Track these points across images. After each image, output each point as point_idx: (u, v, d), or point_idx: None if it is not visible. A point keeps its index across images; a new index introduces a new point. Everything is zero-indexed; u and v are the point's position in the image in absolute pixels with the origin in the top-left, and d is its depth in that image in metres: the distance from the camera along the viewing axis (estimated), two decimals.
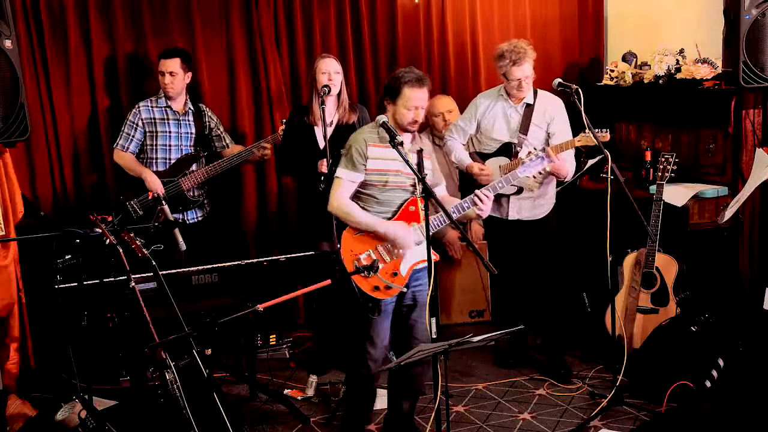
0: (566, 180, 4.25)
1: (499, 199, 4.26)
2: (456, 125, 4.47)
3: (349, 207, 3.38)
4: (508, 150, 4.26)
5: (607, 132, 4.04)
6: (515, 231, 4.31)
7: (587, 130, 3.97)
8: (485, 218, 4.36)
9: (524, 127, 4.21)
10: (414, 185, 3.42)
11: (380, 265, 3.32)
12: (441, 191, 3.55)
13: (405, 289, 3.40)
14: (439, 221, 3.42)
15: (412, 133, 3.43)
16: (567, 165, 4.10)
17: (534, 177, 4.13)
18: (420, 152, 3.41)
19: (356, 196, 3.43)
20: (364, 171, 3.37)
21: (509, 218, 4.30)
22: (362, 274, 3.22)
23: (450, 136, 4.47)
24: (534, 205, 4.30)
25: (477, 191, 3.36)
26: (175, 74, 4.51)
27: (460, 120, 4.47)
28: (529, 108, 4.23)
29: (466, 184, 4.53)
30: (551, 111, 4.21)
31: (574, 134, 4.16)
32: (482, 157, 4.37)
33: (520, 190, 4.24)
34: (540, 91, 4.27)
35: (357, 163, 3.35)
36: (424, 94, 3.34)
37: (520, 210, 4.29)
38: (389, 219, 3.40)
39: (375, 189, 3.40)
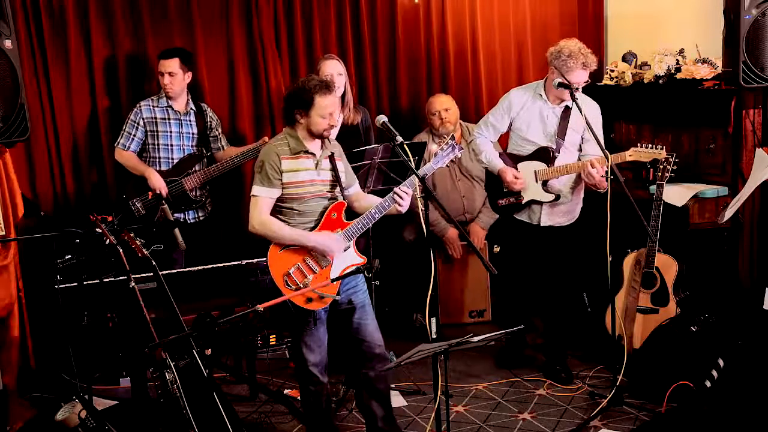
0: (602, 192, 4.01)
1: (531, 205, 4.19)
2: (486, 121, 4.27)
3: (272, 224, 3.32)
4: (545, 154, 4.10)
5: (663, 149, 3.94)
6: (545, 237, 4.20)
7: (640, 145, 3.93)
8: (516, 223, 4.25)
9: (562, 131, 4.07)
10: (331, 191, 3.41)
11: (310, 277, 3.32)
12: (354, 190, 3.54)
13: (338, 297, 3.35)
14: (363, 224, 3.37)
15: (325, 139, 3.40)
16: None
17: (570, 187, 4.10)
18: (332, 156, 3.41)
19: (277, 211, 3.37)
20: (281, 185, 3.31)
21: (541, 224, 4.19)
22: (365, 274, 3.21)
23: (479, 134, 4.29)
24: (566, 211, 4.20)
25: (396, 188, 3.31)
26: (174, 74, 4.49)
27: (490, 115, 4.27)
28: (568, 111, 4.07)
29: (493, 184, 4.34)
30: (589, 116, 3.97)
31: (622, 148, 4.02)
32: (514, 159, 4.20)
33: (557, 197, 4.12)
34: (578, 94, 4.02)
35: (272, 178, 3.30)
36: (334, 98, 3.32)
37: (551, 216, 4.18)
38: (312, 228, 3.37)
39: (294, 201, 3.35)
